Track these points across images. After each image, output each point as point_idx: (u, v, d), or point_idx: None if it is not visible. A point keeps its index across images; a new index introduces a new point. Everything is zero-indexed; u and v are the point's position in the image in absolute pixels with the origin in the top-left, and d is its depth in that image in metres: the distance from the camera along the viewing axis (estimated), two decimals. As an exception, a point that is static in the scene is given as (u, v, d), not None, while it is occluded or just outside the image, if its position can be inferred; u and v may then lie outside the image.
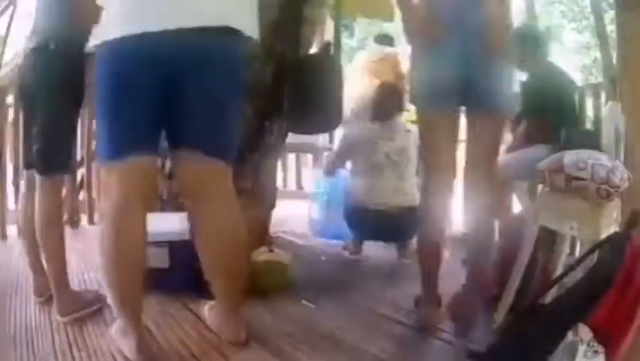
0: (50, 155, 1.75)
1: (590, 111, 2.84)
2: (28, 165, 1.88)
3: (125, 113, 1.37)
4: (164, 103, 1.37)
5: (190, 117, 1.41)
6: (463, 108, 1.75)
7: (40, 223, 1.77)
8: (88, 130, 3.38)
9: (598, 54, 5.05)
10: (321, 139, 4.14)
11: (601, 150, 1.75)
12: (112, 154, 1.41)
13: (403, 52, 3.09)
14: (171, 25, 1.27)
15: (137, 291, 1.49)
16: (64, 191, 3.17)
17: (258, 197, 2.48)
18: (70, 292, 1.87)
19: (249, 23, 1.42)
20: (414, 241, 2.73)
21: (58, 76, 1.69)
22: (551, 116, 2.38)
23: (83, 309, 1.82)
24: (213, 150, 1.44)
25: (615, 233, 1.35)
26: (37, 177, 1.77)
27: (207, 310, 1.72)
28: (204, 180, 1.47)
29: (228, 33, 1.35)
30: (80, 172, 3.44)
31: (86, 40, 1.64)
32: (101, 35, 1.36)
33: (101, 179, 1.48)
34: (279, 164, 3.50)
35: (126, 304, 1.49)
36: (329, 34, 3.53)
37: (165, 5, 1.29)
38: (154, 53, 1.29)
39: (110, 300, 1.55)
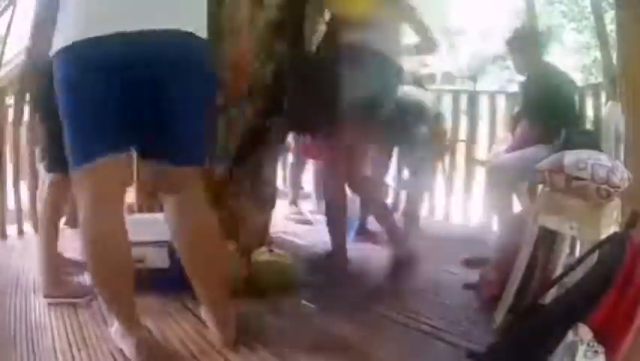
0: (53, 155, 1.93)
1: (590, 111, 2.84)
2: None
3: (84, 117, 1.36)
4: (123, 103, 1.34)
5: (144, 121, 1.38)
6: None
7: (43, 211, 2.01)
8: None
9: (598, 54, 5.05)
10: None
11: (601, 150, 1.75)
12: (79, 159, 1.39)
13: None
14: (120, 27, 1.26)
15: (126, 291, 1.48)
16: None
17: (258, 197, 2.49)
18: (59, 278, 2.02)
19: (197, 24, 1.39)
20: (413, 241, 2.74)
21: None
22: (551, 116, 2.38)
23: (68, 297, 1.93)
24: (170, 157, 1.42)
25: (615, 233, 1.35)
26: (46, 174, 2.02)
27: (203, 312, 1.71)
28: (161, 183, 1.50)
29: (178, 35, 1.34)
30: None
31: None
32: (55, 44, 1.35)
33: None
34: (279, 164, 3.49)
35: (119, 305, 1.49)
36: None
37: (116, 8, 1.28)
38: (106, 56, 1.28)
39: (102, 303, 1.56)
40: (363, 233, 3.02)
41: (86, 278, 2.23)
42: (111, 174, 1.39)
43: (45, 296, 1.95)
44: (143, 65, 1.30)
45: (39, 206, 2.06)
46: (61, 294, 1.94)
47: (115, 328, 1.58)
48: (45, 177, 2.03)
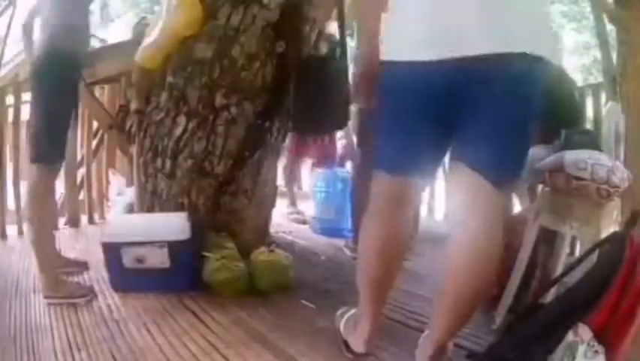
0: (42, 147, 1.95)
1: (590, 111, 2.83)
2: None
3: (396, 132, 1.36)
4: (447, 125, 1.31)
5: (475, 137, 1.30)
6: None
7: (28, 204, 2.01)
8: (88, 130, 3.38)
9: (598, 54, 5.05)
10: (322, 139, 4.14)
11: (601, 150, 1.75)
12: (383, 165, 1.41)
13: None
14: (470, 52, 1.18)
15: (389, 286, 1.52)
16: (62, 189, 3.20)
17: (258, 197, 2.49)
18: (59, 278, 2.02)
19: (550, 48, 1.28)
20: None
21: (54, 81, 1.91)
22: (552, 115, 2.36)
23: (68, 298, 1.94)
24: (487, 172, 1.29)
25: (615, 233, 1.35)
26: (28, 166, 1.98)
27: (421, 341, 1.51)
28: (469, 196, 1.35)
29: (528, 60, 1.22)
30: (80, 172, 3.44)
31: (80, 53, 2.03)
32: (394, 54, 1.31)
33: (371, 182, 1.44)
34: (279, 164, 3.50)
35: (377, 299, 1.51)
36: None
37: (462, 31, 1.20)
38: (448, 76, 1.22)
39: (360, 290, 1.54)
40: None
41: (86, 278, 2.24)
42: (404, 188, 1.40)
43: (45, 297, 1.95)
44: (477, 90, 1.23)
45: (29, 203, 2.03)
46: (60, 294, 1.94)
47: (346, 317, 1.63)
48: (32, 173, 1.98)
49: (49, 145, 1.96)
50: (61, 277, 2.05)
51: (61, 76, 1.92)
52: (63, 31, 1.91)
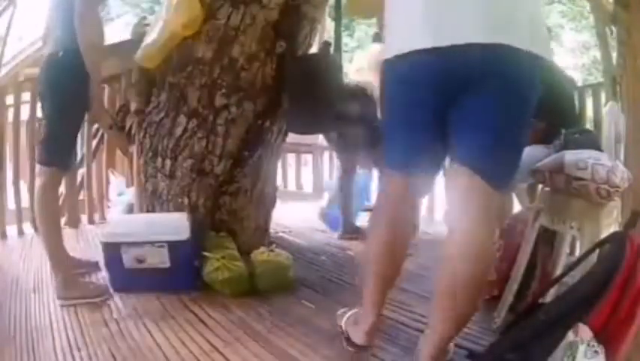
0: (53, 150, 1.91)
1: (590, 111, 2.84)
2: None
3: (397, 130, 1.39)
4: (444, 120, 1.31)
5: (466, 134, 1.30)
6: None
7: (38, 206, 1.95)
8: (88, 130, 3.38)
9: (598, 54, 5.05)
10: (321, 139, 4.14)
11: (601, 150, 1.75)
12: (388, 162, 1.44)
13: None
14: (462, 40, 1.19)
15: (393, 278, 1.53)
16: (63, 188, 3.20)
17: (258, 197, 2.49)
18: (73, 278, 2.01)
19: (542, 45, 1.28)
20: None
21: (65, 80, 1.85)
22: (552, 116, 2.37)
23: (84, 298, 1.92)
24: (482, 171, 1.29)
25: (615, 233, 1.35)
26: (38, 167, 1.95)
27: (421, 341, 1.49)
28: (464, 194, 1.35)
29: (519, 52, 1.21)
30: (80, 172, 3.44)
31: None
32: (390, 50, 1.32)
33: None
34: (279, 164, 3.49)
35: (379, 292, 1.52)
36: (330, 34, 3.52)
37: (457, 20, 1.21)
38: (444, 68, 1.22)
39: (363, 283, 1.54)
40: (351, 230, 3.03)
41: (99, 277, 2.22)
42: (411, 184, 1.42)
43: (59, 298, 1.92)
44: (471, 80, 1.23)
45: (39, 205, 1.97)
46: (77, 295, 1.93)
47: (347, 315, 1.63)
48: (43, 173, 1.94)
49: (65, 147, 1.95)
50: (76, 278, 2.05)
51: (82, 73, 1.86)
52: (85, 26, 1.83)
